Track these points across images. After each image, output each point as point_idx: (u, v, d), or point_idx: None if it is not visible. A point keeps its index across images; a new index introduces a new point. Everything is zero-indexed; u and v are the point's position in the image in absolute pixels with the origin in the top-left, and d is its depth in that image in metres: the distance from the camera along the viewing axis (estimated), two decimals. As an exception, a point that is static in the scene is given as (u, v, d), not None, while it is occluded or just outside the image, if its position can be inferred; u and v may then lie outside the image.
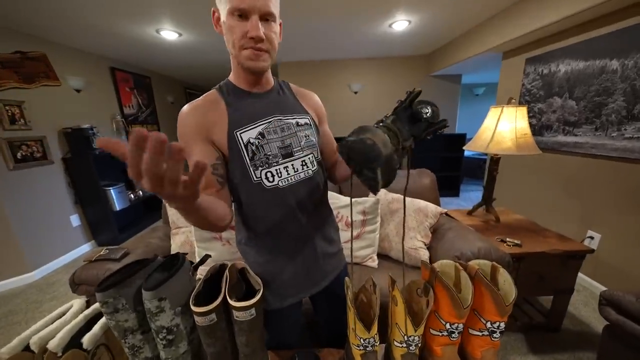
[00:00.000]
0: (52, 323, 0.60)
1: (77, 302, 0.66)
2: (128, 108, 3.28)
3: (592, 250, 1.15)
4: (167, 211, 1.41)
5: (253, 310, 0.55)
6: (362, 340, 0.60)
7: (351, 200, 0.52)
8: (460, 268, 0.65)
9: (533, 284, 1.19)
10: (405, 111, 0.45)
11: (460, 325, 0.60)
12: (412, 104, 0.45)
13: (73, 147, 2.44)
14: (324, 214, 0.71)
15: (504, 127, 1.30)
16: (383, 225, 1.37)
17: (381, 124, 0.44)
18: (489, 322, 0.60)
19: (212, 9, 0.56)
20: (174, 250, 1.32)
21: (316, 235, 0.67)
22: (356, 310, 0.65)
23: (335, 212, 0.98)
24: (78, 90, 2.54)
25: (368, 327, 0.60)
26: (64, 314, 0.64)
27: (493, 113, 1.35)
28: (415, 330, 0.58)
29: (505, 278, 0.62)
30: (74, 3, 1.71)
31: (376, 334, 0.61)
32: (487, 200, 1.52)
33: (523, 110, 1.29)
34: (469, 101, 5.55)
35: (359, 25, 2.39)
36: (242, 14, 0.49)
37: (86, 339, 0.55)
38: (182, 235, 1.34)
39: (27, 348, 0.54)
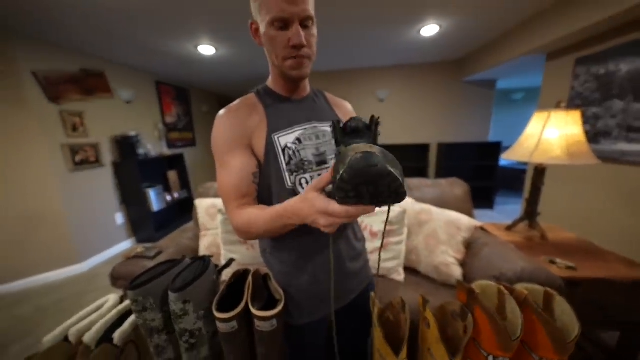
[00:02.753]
0: (89, 315, 0.64)
1: (112, 297, 0.70)
2: (169, 117, 3.59)
3: (672, 281, 0.95)
4: (197, 214, 1.47)
5: (274, 321, 0.53)
6: (389, 364, 0.55)
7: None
8: (505, 292, 0.57)
9: (592, 315, 1.02)
10: (356, 132, 0.45)
11: (506, 360, 0.52)
12: (345, 134, 0.45)
13: (121, 153, 2.71)
14: (351, 225, 0.68)
15: (551, 134, 1.16)
16: (411, 237, 1.29)
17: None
18: (542, 360, 0.51)
19: (250, 22, 0.56)
20: (201, 251, 1.37)
21: (344, 247, 0.64)
22: (383, 330, 0.60)
23: (359, 221, 0.94)
24: (128, 102, 2.85)
25: (396, 350, 0.55)
26: (100, 307, 0.68)
27: (538, 119, 1.22)
28: (451, 360, 0.52)
29: (563, 308, 0.53)
30: (128, 26, 1.93)
31: (405, 359, 0.55)
32: (531, 214, 1.36)
33: (576, 115, 1.14)
34: (506, 108, 5.15)
35: (387, 33, 2.36)
36: (283, 24, 0.49)
37: (117, 335, 0.58)
38: (210, 238, 1.38)
39: (66, 338, 0.58)
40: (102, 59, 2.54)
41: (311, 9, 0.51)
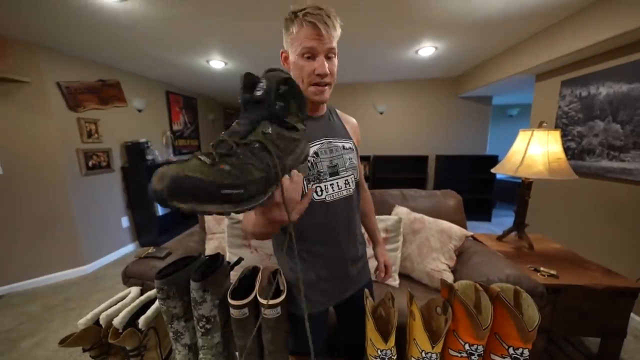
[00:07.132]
0: (116, 304, 0.72)
1: (134, 289, 0.79)
2: (176, 125, 3.73)
3: (646, 289, 1.03)
4: (204, 219, 1.56)
5: (279, 309, 0.61)
6: (379, 351, 0.62)
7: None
8: (481, 289, 0.65)
9: (573, 321, 1.09)
10: (250, 103, 0.37)
11: (480, 347, 0.60)
12: (252, 92, 0.37)
13: (130, 158, 2.82)
14: (356, 230, 0.77)
15: (535, 151, 1.27)
16: (405, 244, 1.37)
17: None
18: (511, 348, 0.59)
19: (281, 51, 0.67)
20: (208, 253, 1.44)
21: (348, 247, 0.73)
22: (374, 321, 0.67)
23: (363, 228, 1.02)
24: (140, 110, 2.99)
25: (385, 338, 0.62)
26: (123, 298, 0.76)
27: (522, 136, 1.33)
28: (433, 347, 0.59)
29: (529, 303, 0.61)
30: (144, 41, 2.08)
31: (393, 347, 0.63)
32: (519, 225, 1.44)
33: (556, 134, 1.25)
34: (502, 122, 5.32)
35: (385, 53, 2.52)
36: (310, 56, 0.60)
37: (142, 320, 0.66)
38: (216, 241, 1.46)
39: (97, 322, 0.66)
40: (118, 70, 2.70)
41: (335, 43, 0.62)
